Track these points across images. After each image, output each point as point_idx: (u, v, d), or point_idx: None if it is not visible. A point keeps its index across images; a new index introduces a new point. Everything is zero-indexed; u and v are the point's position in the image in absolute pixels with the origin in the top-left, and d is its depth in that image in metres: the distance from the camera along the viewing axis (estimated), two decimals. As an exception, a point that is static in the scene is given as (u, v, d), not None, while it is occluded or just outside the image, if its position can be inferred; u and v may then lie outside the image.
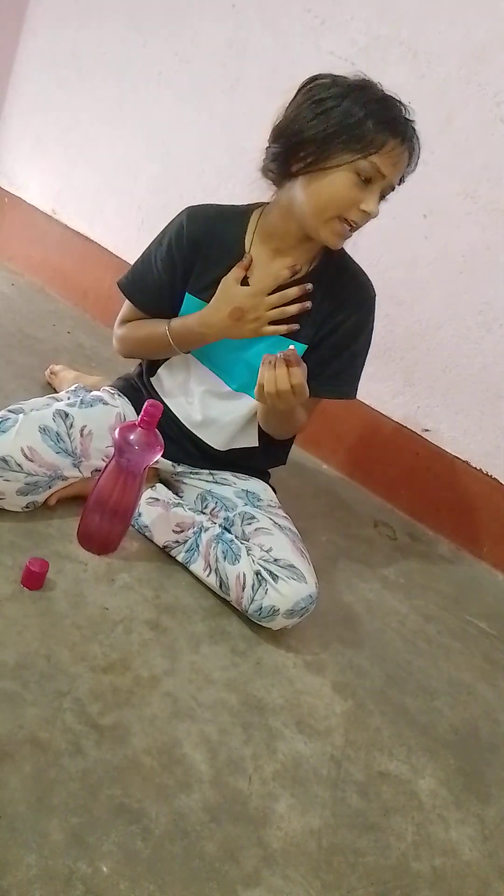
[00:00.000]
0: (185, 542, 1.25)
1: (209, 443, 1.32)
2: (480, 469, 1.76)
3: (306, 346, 1.21)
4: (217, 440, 1.31)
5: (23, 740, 0.85)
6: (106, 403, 1.30)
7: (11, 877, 0.72)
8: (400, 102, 1.07)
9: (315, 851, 0.88)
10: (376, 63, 1.69)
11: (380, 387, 1.85)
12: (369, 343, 1.26)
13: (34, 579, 1.07)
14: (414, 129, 1.08)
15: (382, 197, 1.10)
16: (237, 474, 1.36)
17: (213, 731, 0.98)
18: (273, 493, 1.37)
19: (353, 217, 1.08)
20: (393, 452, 1.86)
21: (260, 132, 1.14)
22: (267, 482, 1.40)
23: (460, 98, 1.62)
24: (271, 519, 1.25)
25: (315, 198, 1.09)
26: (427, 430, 1.81)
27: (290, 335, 1.19)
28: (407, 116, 1.07)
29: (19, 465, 1.14)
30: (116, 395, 1.34)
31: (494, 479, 1.74)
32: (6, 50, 2.33)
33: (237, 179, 1.86)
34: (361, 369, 1.27)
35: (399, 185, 1.11)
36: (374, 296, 1.23)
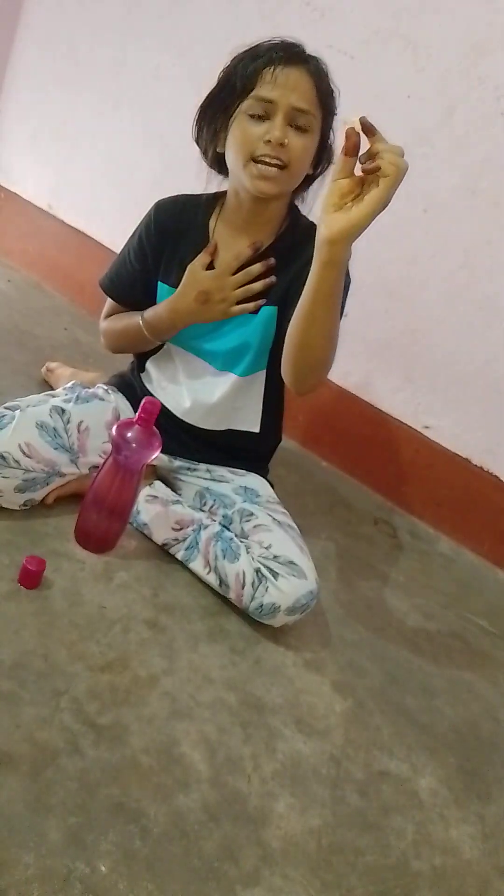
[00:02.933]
0: (185, 539, 1.24)
1: (203, 426, 1.31)
2: (481, 466, 1.75)
3: (276, 307, 1.20)
4: (209, 422, 1.31)
5: (20, 740, 0.84)
6: (102, 399, 1.30)
7: (9, 876, 0.71)
8: (284, 39, 1.08)
9: (314, 851, 0.88)
10: (376, 56, 1.68)
11: (380, 383, 1.84)
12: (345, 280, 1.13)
13: (31, 578, 1.06)
14: (296, 48, 1.07)
15: (300, 127, 1.07)
16: (234, 470, 1.35)
17: (212, 730, 0.97)
18: (271, 489, 1.36)
19: (260, 153, 1.07)
20: (393, 449, 1.85)
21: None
22: (265, 477, 1.39)
23: (460, 92, 1.61)
24: (270, 515, 1.24)
25: (231, 156, 1.12)
26: (427, 427, 1.80)
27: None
28: (283, 43, 1.07)
29: (17, 462, 1.13)
30: (111, 392, 1.34)
31: (495, 476, 1.73)
32: (2, 44, 2.32)
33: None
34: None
35: (325, 110, 1.09)
36: None
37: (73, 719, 0.90)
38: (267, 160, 1.07)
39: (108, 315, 1.34)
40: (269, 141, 1.06)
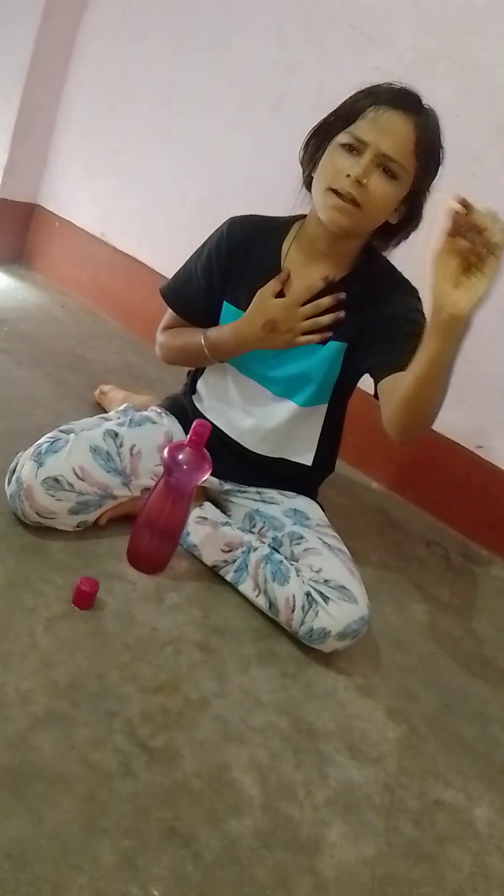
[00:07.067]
0: (234, 561, 1.24)
1: (255, 450, 1.31)
2: (535, 486, 1.71)
3: (346, 345, 1.20)
4: (263, 447, 1.31)
5: (74, 761, 0.85)
6: (154, 423, 1.31)
7: (63, 899, 0.72)
8: (405, 86, 1.09)
9: (368, 881, 0.86)
10: (424, 78, 1.66)
11: (430, 403, 1.82)
12: (417, 326, 1.10)
13: (85, 598, 1.08)
14: (409, 96, 1.08)
15: (389, 172, 1.07)
16: (284, 492, 1.35)
17: (264, 755, 0.97)
18: (321, 512, 1.35)
19: (337, 185, 1.08)
20: (445, 469, 1.82)
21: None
22: (314, 499, 1.38)
23: (510, 110, 1.60)
24: (321, 538, 1.24)
25: (315, 181, 1.13)
26: (480, 447, 1.77)
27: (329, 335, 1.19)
28: (400, 88, 1.08)
29: (70, 485, 1.15)
30: (164, 415, 1.35)
31: (550, 496, 1.69)
32: (57, 75, 2.39)
33: (284, 198, 1.86)
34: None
35: (422, 161, 1.08)
36: (416, 291, 1.17)
37: (126, 741, 0.90)
38: (342, 194, 1.07)
39: (167, 327, 1.34)
40: (349, 176, 1.06)
